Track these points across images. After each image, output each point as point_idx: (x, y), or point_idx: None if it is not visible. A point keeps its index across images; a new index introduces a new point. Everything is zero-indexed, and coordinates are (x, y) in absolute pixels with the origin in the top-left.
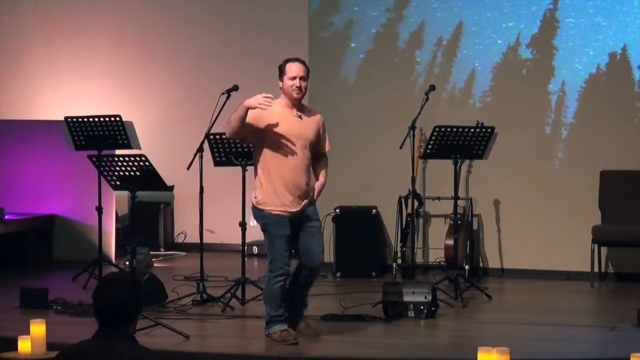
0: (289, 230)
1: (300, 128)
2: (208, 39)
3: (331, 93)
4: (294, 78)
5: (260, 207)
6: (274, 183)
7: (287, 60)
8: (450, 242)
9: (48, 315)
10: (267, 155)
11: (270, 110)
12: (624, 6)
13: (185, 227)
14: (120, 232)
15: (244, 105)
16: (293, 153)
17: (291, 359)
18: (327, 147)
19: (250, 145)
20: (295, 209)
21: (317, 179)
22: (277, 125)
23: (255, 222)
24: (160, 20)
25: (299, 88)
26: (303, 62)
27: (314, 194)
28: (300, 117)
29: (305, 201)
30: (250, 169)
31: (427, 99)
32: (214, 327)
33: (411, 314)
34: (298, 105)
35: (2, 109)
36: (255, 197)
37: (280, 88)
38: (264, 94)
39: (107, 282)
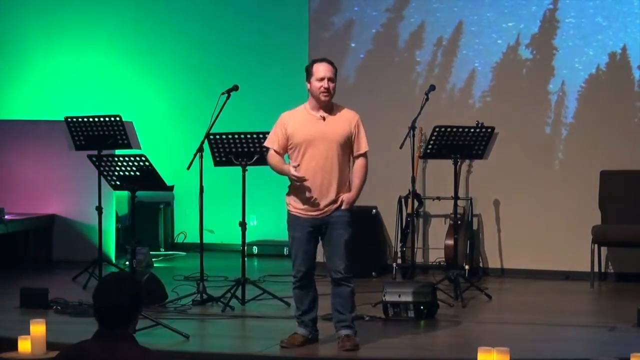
0: (305, 233)
1: (324, 130)
2: (208, 39)
3: None
4: (321, 79)
5: (287, 206)
6: (297, 185)
7: (314, 61)
8: (450, 242)
9: (48, 315)
10: (297, 159)
11: (295, 118)
12: (624, 6)
13: (185, 227)
14: (120, 232)
15: (285, 171)
16: (315, 155)
17: (291, 359)
18: (362, 149)
19: (249, 146)
20: (314, 212)
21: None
22: (301, 129)
23: (255, 221)
24: (160, 20)
25: (327, 89)
26: (330, 63)
27: (343, 199)
28: (324, 118)
29: (329, 206)
30: (249, 169)
31: (427, 99)
32: (214, 327)
33: (411, 314)
34: (326, 107)
35: (2, 109)
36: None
37: (308, 90)
38: (292, 172)
39: (107, 282)
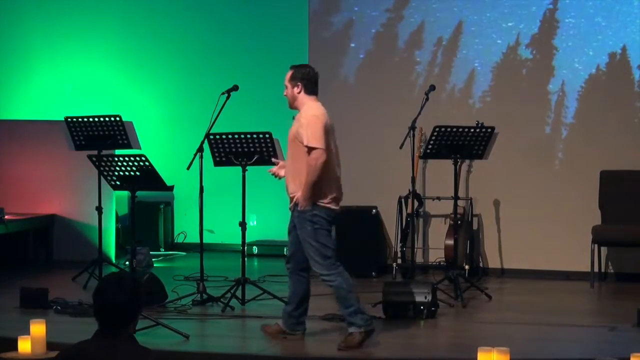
0: (291, 221)
1: (291, 130)
2: (208, 39)
3: (331, 93)
4: None
5: None
6: None
7: None
8: (450, 242)
9: (48, 315)
10: None
11: None
12: (624, 6)
13: (185, 227)
14: (120, 232)
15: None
16: (288, 153)
17: (291, 359)
18: (305, 142)
19: (249, 146)
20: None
21: None
22: None
23: (255, 221)
24: (160, 20)
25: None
26: (291, 67)
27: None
28: (294, 118)
29: (291, 204)
30: (249, 168)
31: (427, 99)
32: (214, 327)
33: (411, 314)
34: (298, 109)
35: (2, 109)
36: None
37: None
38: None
39: (107, 282)
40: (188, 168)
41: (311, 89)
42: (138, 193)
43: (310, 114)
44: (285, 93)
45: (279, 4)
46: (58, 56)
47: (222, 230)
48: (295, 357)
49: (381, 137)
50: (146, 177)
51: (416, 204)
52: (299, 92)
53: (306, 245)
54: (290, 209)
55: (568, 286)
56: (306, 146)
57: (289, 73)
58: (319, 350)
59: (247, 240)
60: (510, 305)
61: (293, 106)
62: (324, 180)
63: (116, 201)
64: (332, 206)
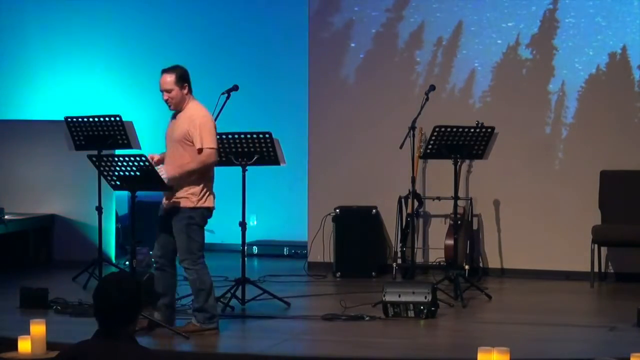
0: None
1: (171, 129)
2: (208, 38)
3: (331, 93)
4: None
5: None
6: None
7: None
8: (450, 242)
9: (48, 315)
10: None
11: None
12: (624, 6)
13: None
14: (120, 232)
15: None
16: (168, 152)
17: (291, 359)
18: (199, 145)
19: (249, 146)
20: (165, 202)
21: None
22: None
23: (255, 221)
24: (160, 20)
25: (166, 102)
26: (167, 71)
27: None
28: (175, 118)
29: (170, 199)
30: (249, 169)
31: (427, 99)
32: None
33: (411, 314)
34: (181, 109)
35: (2, 109)
36: None
37: None
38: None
39: (107, 282)
40: None
41: (191, 88)
42: (138, 193)
43: (202, 115)
44: (170, 96)
45: (279, 4)
46: (58, 55)
47: (222, 230)
48: (295, 357)
49: (381, 137)
50: (146, 177)
51: (416, 204)
52: (186, 93)
53: (179, 236)
54: (169, 202)
55: (568, 286)
56: (199, 148)
57: (173, 76)
58: (319, 350)
59: (247, 240)
60: (510, 305)
61: (179, 107)
62: (206, 178)
63: (116, 201)
64: (209, 204)
